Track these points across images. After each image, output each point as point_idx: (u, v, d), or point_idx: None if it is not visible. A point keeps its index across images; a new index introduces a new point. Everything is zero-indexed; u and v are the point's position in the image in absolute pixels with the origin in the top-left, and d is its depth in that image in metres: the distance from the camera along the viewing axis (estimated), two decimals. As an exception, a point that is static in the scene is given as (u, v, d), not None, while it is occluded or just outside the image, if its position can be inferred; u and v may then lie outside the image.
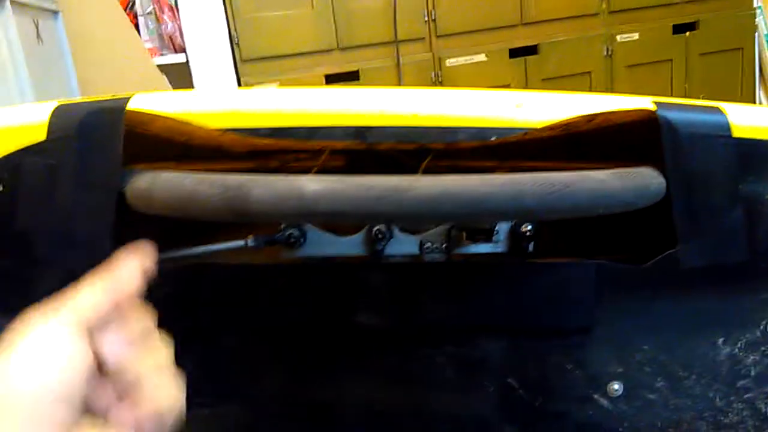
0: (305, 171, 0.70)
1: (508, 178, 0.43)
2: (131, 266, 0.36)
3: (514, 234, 0.57)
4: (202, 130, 0.53)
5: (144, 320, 0.36)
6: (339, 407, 0.57)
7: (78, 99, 0.53)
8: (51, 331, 0.31)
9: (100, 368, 0.33)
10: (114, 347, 0.33)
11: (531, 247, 0.58)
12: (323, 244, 0.57)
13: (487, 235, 0.57)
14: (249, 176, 0.43)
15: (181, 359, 0.53)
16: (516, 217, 0.53)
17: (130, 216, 0.49)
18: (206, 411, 0.53)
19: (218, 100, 0.51)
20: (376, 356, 0.56)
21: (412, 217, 0.43)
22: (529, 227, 0.56)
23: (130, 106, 0.49)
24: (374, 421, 0.57)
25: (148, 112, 0.50)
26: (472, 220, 0.54)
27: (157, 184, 0.46)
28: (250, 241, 0.55)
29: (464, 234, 0.59)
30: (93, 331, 0.33)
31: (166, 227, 0.45)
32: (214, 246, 0.54)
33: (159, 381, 0.34)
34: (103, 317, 0.33)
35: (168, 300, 0.52)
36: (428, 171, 0.69)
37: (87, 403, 0.32)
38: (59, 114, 0.50)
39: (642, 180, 0.48)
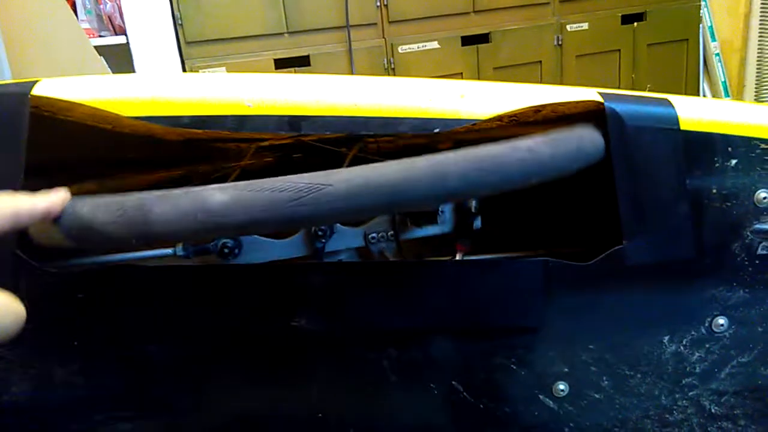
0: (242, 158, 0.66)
1: (430, 160, 0.39)
2: None
3: (460, 211, 0.55)
4: (126, 117, 0.48)
5: None
6: (280, 416, 0.54)
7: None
8: None
9: None
10: None
11: (479, 222, 0.55)
12: (261, 250, 0.53)
13: (431, 218, 0.55)
14: (148, 194, 0.37)
15: (100, 369, 0.49)
16: (445, 200, 0.50)
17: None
18: (128, 425, 0.49)
19: (135, 86, 0.46)
20: (317, 362, 0.53)
21: (335, 217, 0.40)
22: (474, 202, 0.54)
23: (37, 91, 0.44)
24: (318, 428, 0.54)
25: (61, 99, 0.45)
26: (399, 209, 0.51)
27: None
28: (179, 249, 0.51)
29: (408, 220, 0.56)
30: None
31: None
32: (137, 254, 0.50)
33: None
34: None
35: (84, 305, 0.47)
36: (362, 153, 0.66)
37: None
38: None
39: (575, 143, 0.44)
